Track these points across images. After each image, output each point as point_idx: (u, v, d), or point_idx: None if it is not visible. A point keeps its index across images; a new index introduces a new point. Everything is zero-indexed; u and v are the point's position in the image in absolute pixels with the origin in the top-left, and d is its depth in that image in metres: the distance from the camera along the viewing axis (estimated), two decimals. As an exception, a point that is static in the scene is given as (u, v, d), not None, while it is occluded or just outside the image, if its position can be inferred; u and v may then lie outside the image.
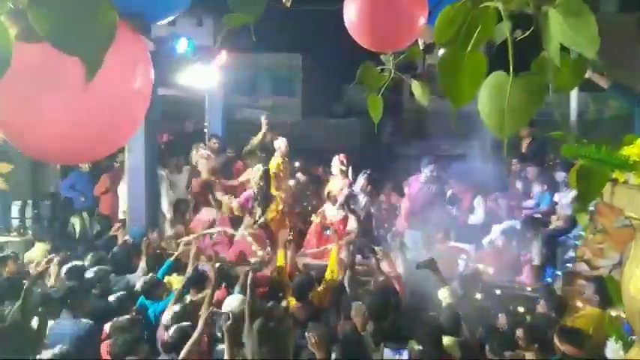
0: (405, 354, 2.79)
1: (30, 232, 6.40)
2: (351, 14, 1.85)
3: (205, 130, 7.85)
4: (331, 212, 5.76)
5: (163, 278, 4.32)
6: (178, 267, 4.58)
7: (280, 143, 6.12)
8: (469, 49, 1.12)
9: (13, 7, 1.04)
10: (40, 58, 1.08)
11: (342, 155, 6.03)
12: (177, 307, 3.45)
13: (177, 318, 3.32)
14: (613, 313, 2.94)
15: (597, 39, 1.01)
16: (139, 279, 4.19)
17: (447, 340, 3.25)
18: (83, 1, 0.96)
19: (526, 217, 5.57)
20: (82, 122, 1.15)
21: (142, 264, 4.54)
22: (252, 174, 6.07)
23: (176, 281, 4.32)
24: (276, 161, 6.08)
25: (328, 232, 4.89)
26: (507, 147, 1.13)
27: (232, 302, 3.35)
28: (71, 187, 6.79)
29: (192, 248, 4.34)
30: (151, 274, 4.23)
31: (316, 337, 2.81)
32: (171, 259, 4.53)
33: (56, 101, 1.13)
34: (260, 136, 6.58)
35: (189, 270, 4.10)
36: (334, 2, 1.89)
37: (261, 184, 5.75)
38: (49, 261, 3.98)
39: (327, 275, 4.17)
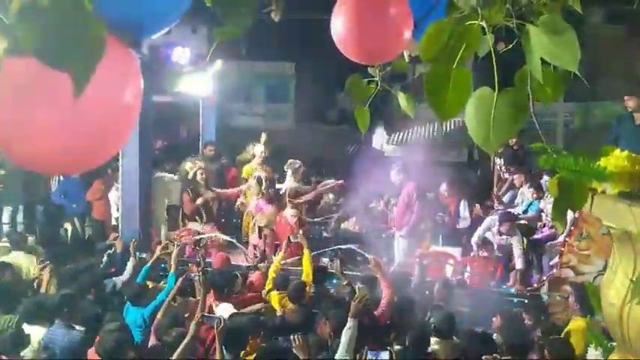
0: (384, 355, 2.85)
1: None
2: (338, 28, 1.90)
3: (200, 137, 7.90)
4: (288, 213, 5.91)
5: (144, 282, 4.38)
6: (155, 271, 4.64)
7: (257, 150, 6.42)
8: (455, 65, 1.16)
9: (1, 22, 1.06)
10: (29, 72, 1.09)
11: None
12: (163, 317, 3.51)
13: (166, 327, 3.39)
14: (595, 319, 2.99)
15: (578, 54, 1.06)
16: (124, 283, 4.25)
17: (437, 343, 3.30)
18: (71, 17, 0.98)
19: (502, 212, 5.65)
20: (70, 135, 1.17)
21: (130, 265, 4.60)
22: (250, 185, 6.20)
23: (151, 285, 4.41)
24: (249, 166, 6.37)
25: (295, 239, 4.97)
26: (494, 155, 1.17)
27: (225, 310, 3.44)
28: (63, 194, 6.78)
29: (173, 251, 4.42)
30: (137, 282, 4.28)
31: (300, 339, 2.93)
32: (149, 263, 4.58)
33: (45, 114, 1.15)
34: (256, 149, 6.71)
35: (172, 271, 4.18)
36: (327, 12, 1.94)
37: (263, 190, 5.92)
38: (44, 267, 3.99)
39: (304, 278, 4.35)
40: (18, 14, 0.95)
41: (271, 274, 4.49)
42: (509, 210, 5.74)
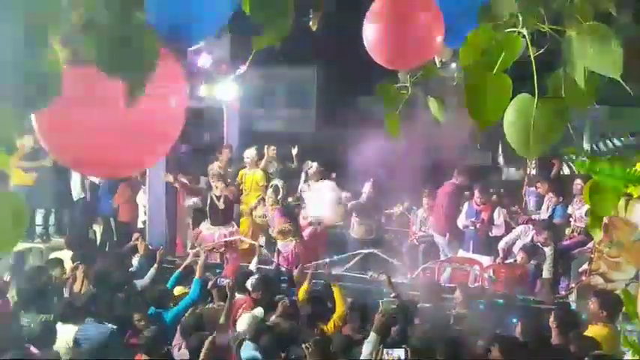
0: (401, 353, 2.83)
1: (53, 239, 6.58)
2: (370, 34, 1.93)
3: (223, 141, 8.01)
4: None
5: (173, 289, 4.46)
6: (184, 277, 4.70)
7: (246, 154, 6.39)
8: (494, 71, 1.17)
9: (63, 33, 1.13)
10: (80, 80, 1.16)
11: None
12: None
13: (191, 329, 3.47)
14: (629, 327, 2.92)
15: (621, 61, 1.06)
16: (146, 288, 4.35)
17: None
18: (128, 27, 1.04)
19: (543, 220, 5.56)
20: (119, 141, 1.23)
21: (152, 270, 4.70)
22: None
23: (177, 291, 4.47)
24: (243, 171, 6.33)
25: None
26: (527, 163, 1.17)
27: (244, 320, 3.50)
28: (108, 188, 6.86)
29: (200, 258, 4.49)
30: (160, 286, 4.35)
31: (312, 347, 2.94)
32: (180, 269, 4.64)
33: (97, 120, 1.22)
34: (246, 153, 6.71)
35: (198, 276, 4.26)
36: (349, 18, 1.97)
37: (279, 199, 5.84)
38: (76, 267, 4.11)
39: (335, 318, 4.03)
40: (81, 27, 1.01)
41: (302, 295, 4.30)
42: (548, 219, 5.61)
